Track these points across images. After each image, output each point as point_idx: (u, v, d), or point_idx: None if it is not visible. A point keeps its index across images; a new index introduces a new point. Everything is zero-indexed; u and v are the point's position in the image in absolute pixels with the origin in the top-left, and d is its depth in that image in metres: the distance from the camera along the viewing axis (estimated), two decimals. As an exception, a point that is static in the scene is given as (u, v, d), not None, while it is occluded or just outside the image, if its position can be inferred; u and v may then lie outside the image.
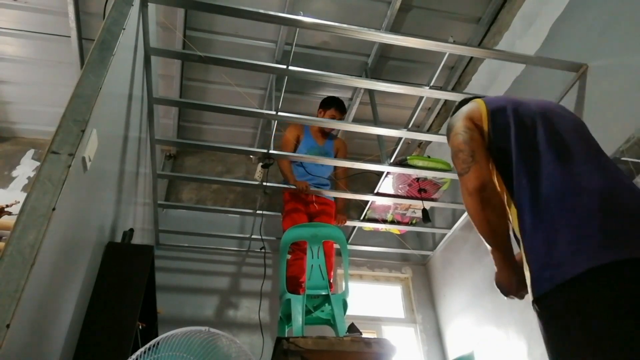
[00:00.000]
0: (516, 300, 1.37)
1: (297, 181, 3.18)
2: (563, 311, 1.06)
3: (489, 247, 1.31)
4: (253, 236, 3.45)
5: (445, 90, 3.50)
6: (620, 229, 1.07)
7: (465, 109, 1.45)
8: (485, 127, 1.36)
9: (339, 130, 3.94)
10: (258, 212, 3.33)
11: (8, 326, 1.05)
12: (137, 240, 2.21)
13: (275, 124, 2.92)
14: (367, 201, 3.29)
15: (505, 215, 1.28)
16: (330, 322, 2.48)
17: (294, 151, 3.41)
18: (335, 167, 3.54)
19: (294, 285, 2.82)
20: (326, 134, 3.57)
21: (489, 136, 1.35)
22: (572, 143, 1.27)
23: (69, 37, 3.15)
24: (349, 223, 3.45)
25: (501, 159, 1.32)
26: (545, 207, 1.16)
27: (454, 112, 1.58)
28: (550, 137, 1.28)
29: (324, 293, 2.55)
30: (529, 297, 1.15)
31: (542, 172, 1.21)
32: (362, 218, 3.45)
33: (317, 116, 3.44)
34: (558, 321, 1.07)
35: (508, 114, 1.35)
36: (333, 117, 3.37)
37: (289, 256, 2.86)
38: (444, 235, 3.59)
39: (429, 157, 3.18)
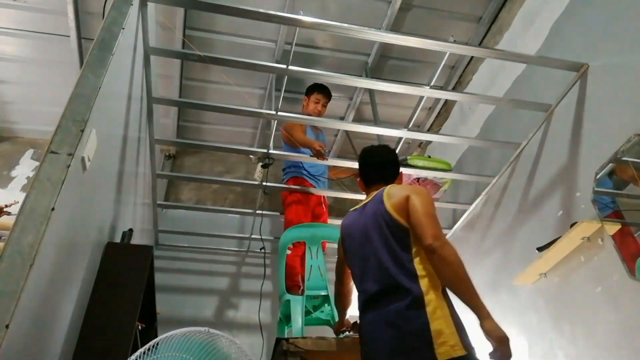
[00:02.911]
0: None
1: (314, 141, 2.99)
2: None
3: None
4: (253, 236, 3.44)
5: (446, 90, 3.50)
6: None
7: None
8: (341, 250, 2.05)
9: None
10: (258, 212, 3.32)
11: (8, 326, 1.05)
12: (136, 240, 2.20)
13: (275, 123, 2.91)
14: (367, 201, 3.28)
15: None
16: (330, 323, 2.47)
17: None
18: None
19: (291, 278, 2.79)
20: (317, 128, 3.52)
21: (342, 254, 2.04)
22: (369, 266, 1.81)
23: (69, 36, 3.14)
24: (349, 223, 3.43)
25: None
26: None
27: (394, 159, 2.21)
28: (360, 262, 1.85)
29: (323, 293, 2.55)
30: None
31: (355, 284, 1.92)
32: (362, 218, 3.43)
33: (302, 106, 3.43)
34: None
35: (346, 241, 1.98)
36: (318, 101, 3.34)
37: (289, 251, 2.86)
38: (444, 235, 3.57)
39: (429, 157, 3.18)
